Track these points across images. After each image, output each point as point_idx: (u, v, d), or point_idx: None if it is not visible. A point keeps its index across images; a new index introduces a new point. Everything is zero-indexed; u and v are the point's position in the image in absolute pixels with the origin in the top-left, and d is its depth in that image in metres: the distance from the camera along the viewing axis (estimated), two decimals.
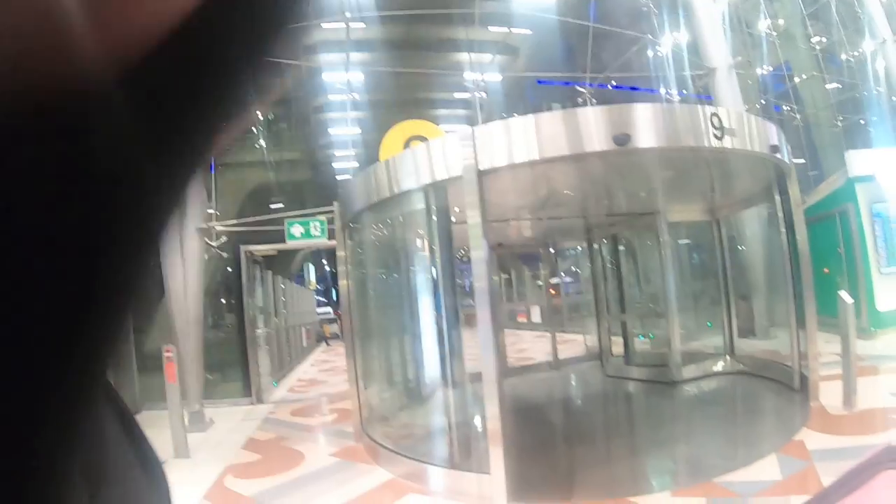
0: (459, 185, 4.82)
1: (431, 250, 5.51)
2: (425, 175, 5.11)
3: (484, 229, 4.56)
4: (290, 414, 9.25)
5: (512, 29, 13.87)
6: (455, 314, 5.40)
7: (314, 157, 17.94)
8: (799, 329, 6.74)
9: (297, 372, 15.61)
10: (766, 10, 17.19)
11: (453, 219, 5.53)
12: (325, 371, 15.57)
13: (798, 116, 16.52)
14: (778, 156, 5.97)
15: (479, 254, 4.56)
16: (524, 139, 4.66)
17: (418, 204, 5.46)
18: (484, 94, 13.28)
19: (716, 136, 5.10)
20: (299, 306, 20.66)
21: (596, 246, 10.33)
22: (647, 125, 4.81)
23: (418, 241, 5.93)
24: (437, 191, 5.20)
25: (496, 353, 4.54)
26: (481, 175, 4.66)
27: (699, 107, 5.56)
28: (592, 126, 4.70)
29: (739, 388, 7.90)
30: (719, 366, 8.82)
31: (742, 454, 4.99)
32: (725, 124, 5.19)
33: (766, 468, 4.61)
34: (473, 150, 4.63)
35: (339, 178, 17.33)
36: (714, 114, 5.19)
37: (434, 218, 5.33)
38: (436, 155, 5.01)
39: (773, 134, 5.96)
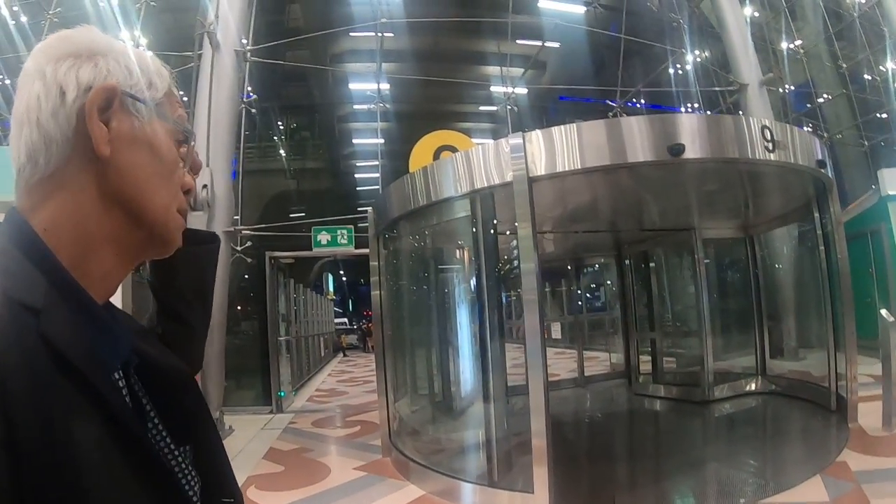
0: (503, 193, 4.73)
1: (475, 260, 5.37)
2: (471, 182, 4.99)
3: (535, 240, 4.43)
4: (311, 424, 9.12)
5: (540, 43, 13.80)
6: (499, 326, 5.26)
7: (337, 166, 17.89)
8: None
9: (315, 382, 15.52)
10: (791, 29, 17.07)
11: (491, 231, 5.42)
12: (343, 381, 15.49)
13: (825, 135, 16.31)
14: (823, 170, 5.83)
15: (529, 265, 4.43)
16: (571, 147, 4.54)
17: (461, 212, 5.33)
18: (515, 108, 13.15)
19: (767, 148, 4.98)
20: (318, 315, 20.57)
21: (627, 262, 10.18)
22: (698, 136, 4.69)
23: (458, 251, 5.81)
24: (483, 199, 5.08)
25: (544, 367, 4.39)
26: (531, 182, 4.54)
27: (750, 118, 5.44)
28: (645, 136, 4.59)
29: (774, 409, 7.72)
30: (751, 386, 8.63)
31: (786, 475, 4.83)
32: (776, 137, 5.07)
33: (812, 490, 4.47)
34: (524, 156, 4.52)
35: (359, 188, 17.31)
36: (766, 126, 5.07)
37: (479, 227, 5.20)
38: (482, 161, 4.90)
39: (818, 148, 5.83)
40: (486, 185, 4.87)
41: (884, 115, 16.72)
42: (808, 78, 17.12)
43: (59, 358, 0.59)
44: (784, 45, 16.78)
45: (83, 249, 0.70)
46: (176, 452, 0.76)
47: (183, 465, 0.77)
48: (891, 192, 10.54)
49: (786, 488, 4.51)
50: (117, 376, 0.70)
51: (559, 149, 4.55)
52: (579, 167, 4.50)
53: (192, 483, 0.77)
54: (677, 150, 4.41)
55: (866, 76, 17.58)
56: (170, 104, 0.81)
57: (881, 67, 16.84)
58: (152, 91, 0.77)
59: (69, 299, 0.66)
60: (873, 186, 10.93)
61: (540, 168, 4.55)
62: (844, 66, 17.24)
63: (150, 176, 0.75)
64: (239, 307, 12.61)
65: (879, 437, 5.63)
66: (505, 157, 4.67)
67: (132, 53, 0.77)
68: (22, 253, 0.66)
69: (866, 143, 16.53)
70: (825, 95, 17.42)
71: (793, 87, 17.26)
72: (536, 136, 4.61)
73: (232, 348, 10.69)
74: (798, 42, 17.23)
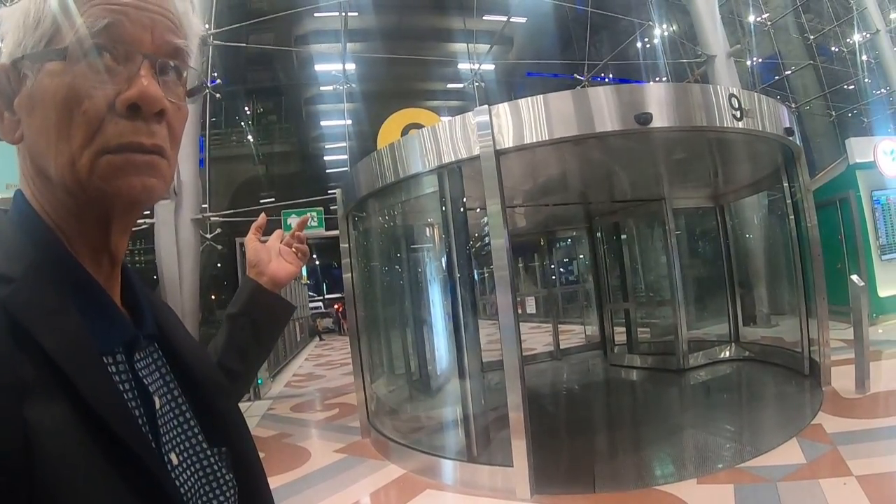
0: (471, 167, 4.69)
1: (445, 237, 5.32)
2: (438, 157, 4.92)
3: (504, 215, 4.39)
4: (289, 409, 9.06)
5: (506, 18, 13.68)
6: (472, 301, 5.22)
7: (306, 149, 17.71)
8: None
9: (292, 367, 15.42)
10: (758, 1, 17.12)
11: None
12: (320, 365, 15.42)
13: (793, 106, 16.44)
14: (791, 138, 5.85)
15: (499, 241, 4.38)
16: (538, 119, 4.49)
17: (430, 188, 5.26)
18: (482, 84, 13.06)
19: (735, 116, 4.97)
20: (292, 300, 20.43)
21: (598, 234, 10.19)
22: (666, 104, 4.67)
23: (428, 229, 5.75)
24: (451, 173, 5.01)
25: (518, 341, 4.37)
26: (499, 155, 4.49)
27: (718, 86, 5.43)
28: (612, 105, 4.55)
29: (748, 375, 7.81)
30: (725, 353, 8.73)
31: (762, 440, 4.88)
32: (744, 105, 5.07)
33: (789, 452, 4.53)
34: (491, 129, 4.46)
35: (329, 171, 17.18)
36: (733, 94, 5.06)
37: (447, 203, 5.13)
38: (449, 136, 4.82)
39: (786, 116, 5.84)
40: (453, 159, 4.80)
41: (850, 86, 16.90)
42: (775, 50, 17.23)
43: (19, 331, 0.53)
44: (751, 17, 16.83)
45: (57, 225, 0.65)
46: (209, 452, 0.72)
47: (216, 468, 0.72)
48: (859, 161, 10.67)
49: (763, 452, 4.56)
50: (111, 360, 0.63)
51: (526, 121, 4.49)
52: (547, 138, 4.45)
53: (226, 487, 0.72)
54: (645, 118, 4.38)
55: (833, 48, 17.73)
56: (80, 8, 0.62)
57: (847, 39, 17.00)
58: (40, 29, 0.62)
59: (58, 273, 0.61)
60: (844, 154, 11.04)
61: (507, 141, 4.49)
62: (811, 37, 17.37)
63: (49, 136, 0.62)
64: (213, 296, 12.48)
65: (852, 400, 5.72)
66: (472, 131, 4.59)
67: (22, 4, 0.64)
68: (16, 227, 0.64)
69: (833, 113, 16.70)
70: (792, 67, 17.53)
71: (760, 60, 17.36)
72: (503, 108, 4.54)
73: (206, 338, 10.48)
74: (765, 14, 17.30)
